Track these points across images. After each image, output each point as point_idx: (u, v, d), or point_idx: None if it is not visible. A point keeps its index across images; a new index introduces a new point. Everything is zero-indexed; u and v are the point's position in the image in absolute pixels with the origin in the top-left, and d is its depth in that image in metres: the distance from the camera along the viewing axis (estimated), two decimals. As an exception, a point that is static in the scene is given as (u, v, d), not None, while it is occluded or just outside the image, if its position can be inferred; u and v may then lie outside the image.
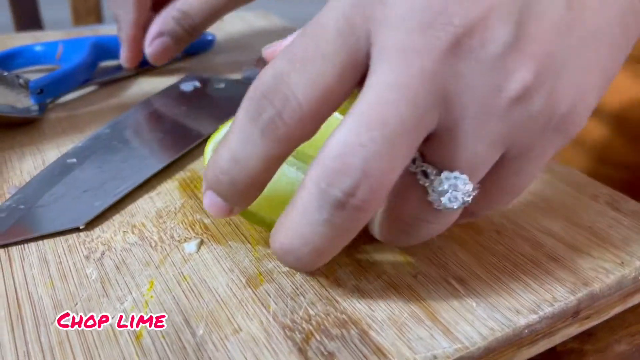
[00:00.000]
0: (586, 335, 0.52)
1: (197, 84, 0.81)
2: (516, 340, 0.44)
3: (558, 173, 0.64)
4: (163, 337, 0.41)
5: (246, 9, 0.95)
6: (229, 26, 1.19)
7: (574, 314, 0.47)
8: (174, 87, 0.80)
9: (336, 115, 0.42)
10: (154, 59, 0.80)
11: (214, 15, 0.79)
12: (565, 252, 0.52)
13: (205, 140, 0.67)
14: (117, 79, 0.86)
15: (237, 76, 0.88)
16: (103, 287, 0.46)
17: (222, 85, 0.80)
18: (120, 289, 0.46)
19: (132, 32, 0.79)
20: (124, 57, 0.81)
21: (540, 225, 0.56)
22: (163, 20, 0.78)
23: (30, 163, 0.64)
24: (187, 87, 0.80)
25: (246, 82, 0.81)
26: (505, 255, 0.51)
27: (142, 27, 0.80)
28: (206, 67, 0.94)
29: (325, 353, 0.40)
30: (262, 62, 0.85)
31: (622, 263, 0.51)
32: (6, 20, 2.25)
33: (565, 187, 0.62)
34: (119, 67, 0.86)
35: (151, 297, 0.45)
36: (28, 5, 2.17)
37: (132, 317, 0.43)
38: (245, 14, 1.27)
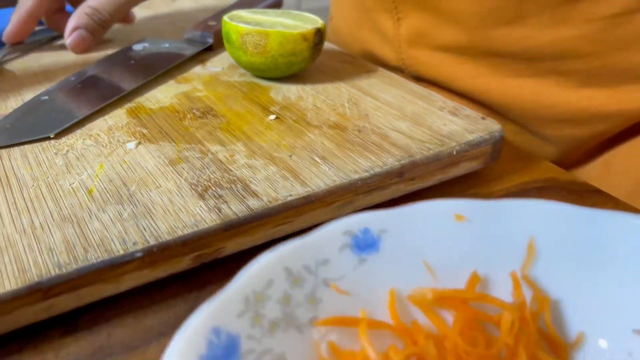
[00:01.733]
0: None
1: (147, 44, 1.00)
2: (352, 189, 0.64)
3: (417, 93, 0.85)
4: (106, 191, 0.61)
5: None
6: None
7: (399, 174, 0.67)
8: (128, 48, 0.99)
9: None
10: (73, 49, 0.98)
11: (120, 10, 0.97)
12: (403, 140, 0.72)
13: (146, 83, 0.87)
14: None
15: (180, 38, 1.07)
16: (67, 168, 0.66)
17: (166, 45, 1.00)
18: (79, 169, 0.65)
19: (25, 17, 0.95)
20: (8, 32, 0.98)
21: (392, 126, 0.76)
22: (78, 15, 0.96)
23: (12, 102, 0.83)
24: (138, 47, 0.99)
25: (186, 41, 1.01)
26: (359, 143, 0.71)
27: (35, 18, 0.97)
28: (159, 33, 1.13)
29: (217, 195, 0.60)
30: (200, 27, 1.04)
31: (443, 144, 0.71)
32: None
33: (420, 102, 0.82)
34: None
35: (100, 171, 0.65)
36: None
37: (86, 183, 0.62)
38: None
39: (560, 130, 0.85)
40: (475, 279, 0.46)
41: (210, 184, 0.63)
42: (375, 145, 0.71)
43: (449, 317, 0.45)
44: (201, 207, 0.59)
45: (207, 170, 0.65)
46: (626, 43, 0.71)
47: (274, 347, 0.38)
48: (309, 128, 0.75)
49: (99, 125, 0.76)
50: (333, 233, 0.44)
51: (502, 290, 0.46)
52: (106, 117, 0.78)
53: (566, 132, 0.85)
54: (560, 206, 0.47)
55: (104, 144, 0.71)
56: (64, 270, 0.50)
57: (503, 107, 0.88)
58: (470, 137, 0.73)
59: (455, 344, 0.42)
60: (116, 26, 1.17)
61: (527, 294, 0.46)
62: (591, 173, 0.87)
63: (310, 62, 0.87)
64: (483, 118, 0.78)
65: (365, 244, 0.45)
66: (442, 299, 0.44)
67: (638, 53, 0.75)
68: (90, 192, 0.61)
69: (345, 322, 0.42)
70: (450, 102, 0.82)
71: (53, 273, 0.50)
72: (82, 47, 0.98)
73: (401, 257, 0.46)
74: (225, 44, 0.88)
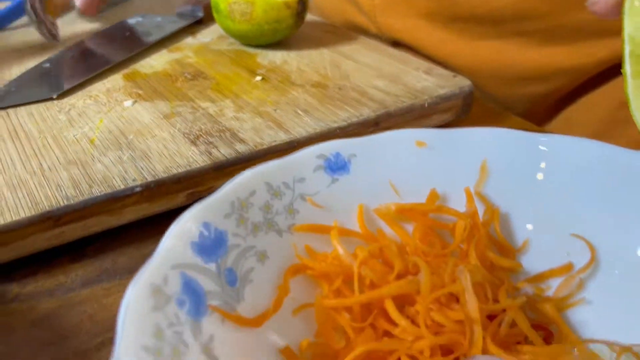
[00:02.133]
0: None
1: (140, 19, 1.06)
2: (331, 136, 0.70)
3: (395, 56, 0.91)
4: (106, 140, 0.67)
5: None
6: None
7: (375, 124, 0.74)
8: (123, 22, 1.05)
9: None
10: (83, 11, 1.04)
11: None
12: (380, 95, 0.78)
13: (141, 52, 0.93)
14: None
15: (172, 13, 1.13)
16: (70, 123, 0.72)
17: (159, 19, 1.06)
18: (81, 123, 0.71)
19: None
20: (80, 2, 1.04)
21: (370, 84, 0.82)
22: None
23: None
24: (132, 21, 1.05)
25: (178, 16, 1.07)
26: (339, 99, 0.78)
27: None
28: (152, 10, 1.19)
29: (208, 142, 0.67)
30: (191, 1, 1.10)
31: (416, 97, 0.77)
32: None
33: (397, 63, 0.88)
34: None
35: (100, 125, 0.71)
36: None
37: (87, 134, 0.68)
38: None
39: (524, 88, 0.91)
40: (434, 196, 0.52)
41: (201, 133, 0.69)
42: (354, 100, 0.77)
43: (410, 229, 0.51)
44: (193, 151, 0.65)
45: (198, 122, 0.71)
46: (581, 2, 0.78)
47: (257, 245, 0.45)
48: (293, 87, 0.81)
49: (98, 87, 0.82)
50: (308, 156, 0.50)
51: (458, 206, 0.52)
52: (104, 81, 0.84)
53: (530, 90, 0.91)
54: (508, 132, 0.53)
55: (103, 103, 0.77)
56: (72, 202, 0.56)
57: (472, 69, 0.94)
58: (441, 92, 0.79)
59: (415, 247, 0.48)
60: (111, 5, 1.23)
61: (480, 208, 0.52)
62: (554, 130, 0.93)
63: (294, 29, 0.94)
64: (454, 76, 0.84)
65: (337, 166, 0.51)
66: (405, 212, 0.51)
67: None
68: (92, 141, 0.67)
69: (319, 229, 0.48)
70: (425, 63, 0.89)
71: (62, 204, 0.56)
72: (91, 10, 1.03)
73: (369, 178, 0.52)
74: (215, 15, 0.94)
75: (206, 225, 0.42)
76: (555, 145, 0.52)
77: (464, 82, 0.82)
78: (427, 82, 0.82)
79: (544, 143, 0.52)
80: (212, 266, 0.41)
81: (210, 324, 0.38)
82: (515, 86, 0.92)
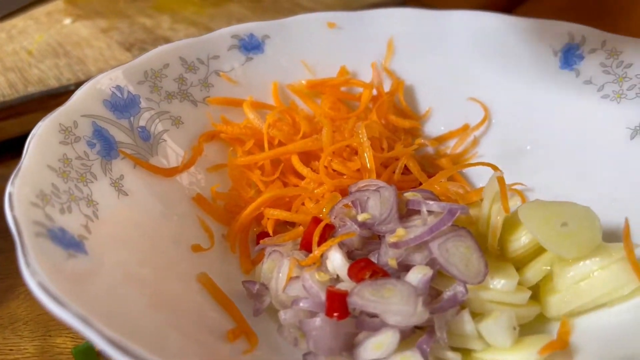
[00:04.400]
0: None
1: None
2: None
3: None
4: (45, 50, 0.70)
5: None
6: None
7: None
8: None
9: None
10: None
11: None
12: (311, 4, 0.81)
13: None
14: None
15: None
16: (10, 40, 0.74)
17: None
18: (21, 39, 0.74)
19: None
20: None
21: (304, -3, 0.85)
22: None
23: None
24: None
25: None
26: (272, 10, 0.80)
27: None
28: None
29: (142, 48, 0.70)
30: None
31: (347, 5, 0.80)
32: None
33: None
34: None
35: (40, 39, 0.73)
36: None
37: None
38: None
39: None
40: (344, 71, 0.56)
41: (136, 42, 0.72)
42: (286, 10, 0.80)
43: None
44: (127, 55, 0.68)
45: (134, 34, 0.74)
46: None
47: (171, 110, 0.48)
48: (229, 2, 0.84)
49: (39, 11, 0.84)
50: (223, 36, 0.53)
51: (367, 80, 0.56)
52: (46, 5, 0.86)
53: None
54: (412, 10, 0.57)
55: (43, 22, 0.79)
56: (7, 98, 0.60)
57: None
58: None
59: (325, 113, 0.52)
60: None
61: (388, 82, 0.56)
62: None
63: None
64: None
65: (251, 46, 0.54)
66: (316, 86, 0.55)
67: None
68: (30, 52, 0.70)
69: (233, 102, 0.52)
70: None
71: (-2, 101, 0.59)
72: None
73: (283, 57, 0.55)
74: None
75: (119, 88, 0.45)
76: (454, 20, 0.56)
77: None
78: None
79: (445, 18, 0.56)
80: (125, 122, 0.45)
81: (121, 166, 0.42)
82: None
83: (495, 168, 0.47)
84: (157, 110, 0.48)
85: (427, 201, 0.40)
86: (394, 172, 0.49)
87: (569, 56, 0.51)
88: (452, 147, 0.55)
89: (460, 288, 0.36)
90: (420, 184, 0.49)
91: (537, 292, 0.40)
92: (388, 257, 0.38)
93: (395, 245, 0.38)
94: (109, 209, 0.39)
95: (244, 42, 0.55)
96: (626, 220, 0.36)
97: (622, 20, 0.78)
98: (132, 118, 0.45)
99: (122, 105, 0.45)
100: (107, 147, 0.42)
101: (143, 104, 0.47)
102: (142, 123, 0.46)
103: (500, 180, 0.41)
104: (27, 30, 0.76)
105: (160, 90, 0.49)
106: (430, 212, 0.39)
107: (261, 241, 0.44)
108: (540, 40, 0.52)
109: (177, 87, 0.50)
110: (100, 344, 0.26)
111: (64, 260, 0.30)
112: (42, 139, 0.37)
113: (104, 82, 0.45)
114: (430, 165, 0.54)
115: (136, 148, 0.44)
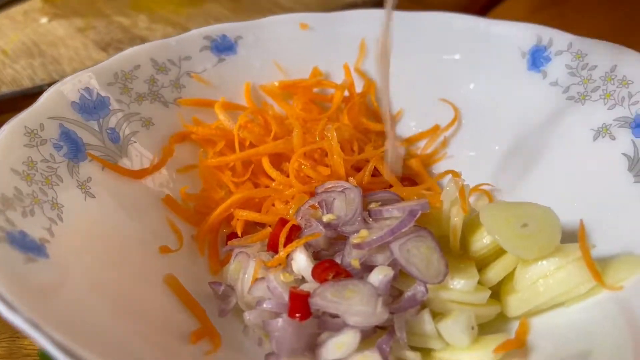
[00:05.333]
0: None
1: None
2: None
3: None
4: (20, 50, 0.70)
5: None
6: None
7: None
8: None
9: None
10: None
11: None
12: (291, 4, 0.81)
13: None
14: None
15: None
16: (-15, 38, 0.74)
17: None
18: (-4, 38, 0.73)
19: None
20: None
21: (283, -4, 0.85)
22: None
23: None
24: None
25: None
26: (252, 10, 0.81)
27: None
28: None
29: (118, 48, 0.69)
30: None
31: (326, 4, 0.81)
32: None
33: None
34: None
35: (15, 39, 0.73)
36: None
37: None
38: None
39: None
40: (316, 72, 0.56)
41: (113, 41, 0.72)
42: (266, 9, 0.80)
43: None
44: (103, 55, 0.68)
45: (111, 33, 0.74)
46: None
47: (142, 112, 0.48)
48: (208, 2, 0.84)
49: (16, 10, 0.83)
50: (194, 37, 0.54)
51: (339, 81, 0.56)
52: (23, 5, 0.86)
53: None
54: (384, 12, 0.57)
55: (19, 21, 0.79)
56: (-20, 99, 0.59)
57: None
58: None
59: (297, 114, 0.52)
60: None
61: (360, 83, 0.57)
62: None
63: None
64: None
65: (223, 47, 0.55)
66: (288, 87, 0.55)
67: None
68: (5, 52, 0.69)
69: (205, 103, 0.52)
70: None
71: (-30, 101, 0.59)
72: None
73: (255, 58, 0.56)
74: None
75: (88, 90, 0.45)
76: (425, 21, 0.56)
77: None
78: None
79: (416, 19, 0.56)
80: (94, 124, 0.45)
81: (89, 168, 0.42)
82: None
83: (455, 174, 0.48)
84: (127, 111, 0.48)
85: (388, 207, 0.40)
86: (364, 174, 0.49)
87: (537, 58, 0.52)
88: (422, 147, 0.55)
89: (420, 288, 0.36)
90: (391, 186, 0.50)
91: (499, 292, 0.41)
92: (351, 258, 0.38)
93: (358, 246, 0.38)
94: (75, 211, 0.39)
95: (216, 43, 0.55)
96: (581, 222, 0.37)
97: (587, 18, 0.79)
98: (101, 120, 0.45)
99: (90, 107, 0.45)
100: (75, 150, 0.42)
101: (113, 105, 0.47)
102: (111, 125, 0.46)
103: (457, 182, 0.41)
104: (3, 30, 0.76)
105: (130, 92, 0.49)
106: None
107: (229, 242, 0.45)
108: (509, 42, 0.53)
109: (148, 89, 0.50)
110: (49, 349, 0.26)
111: (21, 264, 0.30)
112: (5, 143, 0.37)
113: (73, 84, 0.45)
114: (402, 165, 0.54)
115: (105, 150, 0.45)
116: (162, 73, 0.51)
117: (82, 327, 0.31)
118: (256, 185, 0.51)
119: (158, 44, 0.52)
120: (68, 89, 0.44)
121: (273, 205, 0.48)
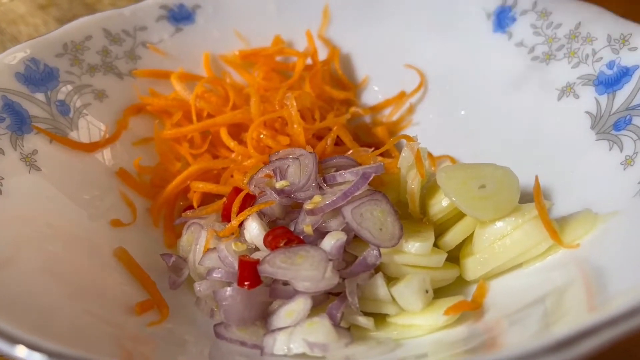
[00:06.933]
0: None
1: None
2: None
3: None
4: (-22, 28, 0.68)
5: None
6: None
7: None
8: None
9: None
10: None
11: None
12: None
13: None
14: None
15: None
16: (-57, 18, 0.71)
17: None
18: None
19: None
20: None
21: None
22: None
23: None
24: None
25: None
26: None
27: None
28: None
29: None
30: None
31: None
32: None
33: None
34: None
35: (-26, 17, 0.71)
36: None
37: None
38: None
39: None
40: (278, 41, 0.55)
41: (75, 18, 0.69)
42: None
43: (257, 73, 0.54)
44: (64, 32, 0.66)
45: (73, 10, 0.72)
46: None
47: (94, 84, 0.47)
48: (176, -23, 0.82)
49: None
50: (150, 6, 0.52)
51: (302, 49, 0.55)
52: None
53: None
54: (347, -23, 0.56)
55: (-18, 0, 0.77)
56: None
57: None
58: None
59: (256, 83, 0.51)
60: None
61: (324, 51, 0.55)
62: None
63: None
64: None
65: (180, 16, 0.53)
66: (249, 56, 0.53)
67: None
68: (-37, 30, 0.68)
69: (161, 75, 0.51)
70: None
71: None
72: None
73: (215, 27, 0.54)
74: None
75: (34, 61, 0.44)
76: (389, -13, 0.54)
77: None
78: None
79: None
80: (41, 96, 0.43)
81: (35, 140, 0.41)
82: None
83: (410, 139, 0.46)
84: (78, 83, 0.46)
85: (342, 172, 0.39)
86: (327, 143, 0.48)
87: (502, 18, 0.50)
88: (387, 115, 0.54)
89: (373, 252, 0.35)
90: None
91: (459, 257, 0.40)
92: (304, 224, 0.37)
93: (311, 212, 0.37)
94: (17, 184, 0.37)
95: (173, 13, 0.53)
96: (536, 178, 0.36)
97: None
98: (49, 92, 0.44)
99: (37, 78, 0.43)
100: (19, 122, 0.40)
101: (62, 77, 0.45)
102: (60, 97, 0.45)
103: (412, 147, 0.40)
104: (-37, 9, 0.74)
105: (81, 63, 0.47)
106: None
107: (183, 214, 0.44)
108: (474, 3, 0.52)
109: (101, 60, 0.48)
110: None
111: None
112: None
113: (17, 55, 0.43)
114: (366, 135, 0.53)
115: (53, 122, 0.43)
116: (115, 44, 0.50)
117: (24, 306, 0.30)
118: (215, 157, 0.49)
119: (111, 13, 0.50)
120: (12, 59, 0.43)
121: (232, 176, 0.47)
